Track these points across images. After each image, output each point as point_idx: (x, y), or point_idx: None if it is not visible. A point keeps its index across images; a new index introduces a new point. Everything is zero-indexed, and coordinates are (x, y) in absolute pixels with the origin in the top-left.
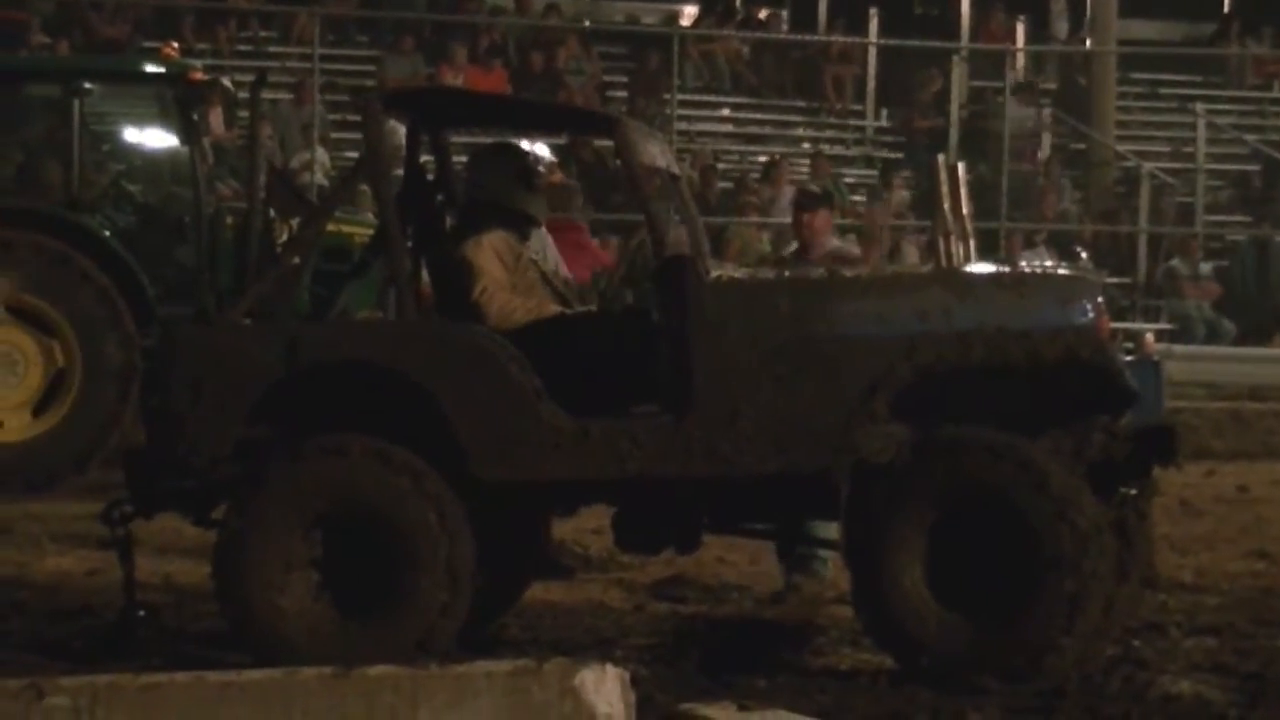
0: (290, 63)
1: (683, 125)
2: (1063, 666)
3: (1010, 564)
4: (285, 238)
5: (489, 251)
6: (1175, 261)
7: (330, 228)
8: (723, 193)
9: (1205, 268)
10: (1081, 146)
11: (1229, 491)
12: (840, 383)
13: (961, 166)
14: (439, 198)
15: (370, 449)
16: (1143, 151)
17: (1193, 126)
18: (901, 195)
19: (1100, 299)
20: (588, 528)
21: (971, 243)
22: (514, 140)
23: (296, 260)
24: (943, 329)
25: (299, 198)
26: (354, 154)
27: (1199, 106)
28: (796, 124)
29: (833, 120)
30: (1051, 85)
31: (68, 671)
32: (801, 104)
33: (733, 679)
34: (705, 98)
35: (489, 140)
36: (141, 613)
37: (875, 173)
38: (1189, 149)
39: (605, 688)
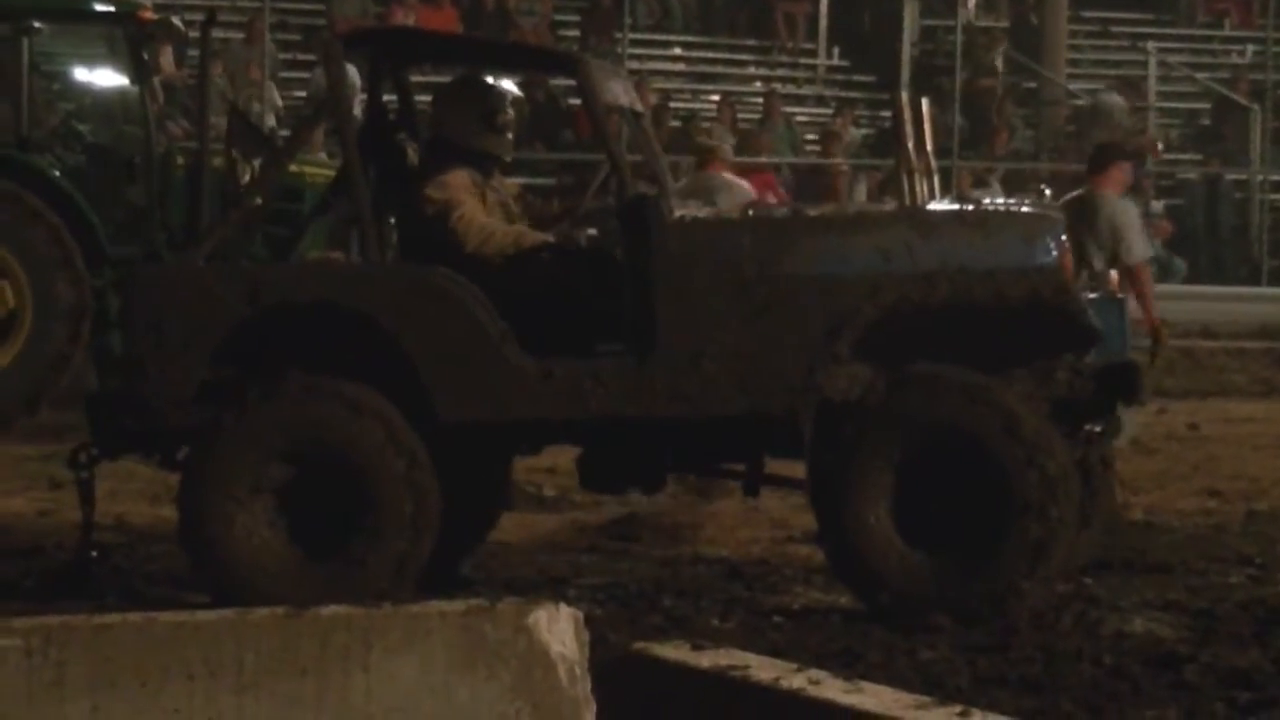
0: (240, 1)
1: (634, 64)
2: (1023, 609)
3: (977, 505)
4: (248, 178)
5: (457, 185)
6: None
7: None
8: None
9: (1156, 206)
10: (1033, 85)
11: (1180, 429)
12: (804, 322)
13: (926, 103)
14: (402, 137)
15: (340, 393)
16: (1094, 90)
17: (1144, 65)
18: (853, 134)
19: (1064, 237)
20: (541, 466)
21: (936, 179)
22: (478, 76)
23: (259, 201)
24: (906, 268)
25: (261, 138)
26: (305, 93)
27: (1150, 45)
28: (748, 63)
29: (784, 59)
30: (1004, 24)
31: (20, 612)
32: (753, 43)
33: (686, 618)
34: (657, 36)
35: (452, 78)
36: (94, 554)
37: (829, 111)
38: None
39: (559, 627)
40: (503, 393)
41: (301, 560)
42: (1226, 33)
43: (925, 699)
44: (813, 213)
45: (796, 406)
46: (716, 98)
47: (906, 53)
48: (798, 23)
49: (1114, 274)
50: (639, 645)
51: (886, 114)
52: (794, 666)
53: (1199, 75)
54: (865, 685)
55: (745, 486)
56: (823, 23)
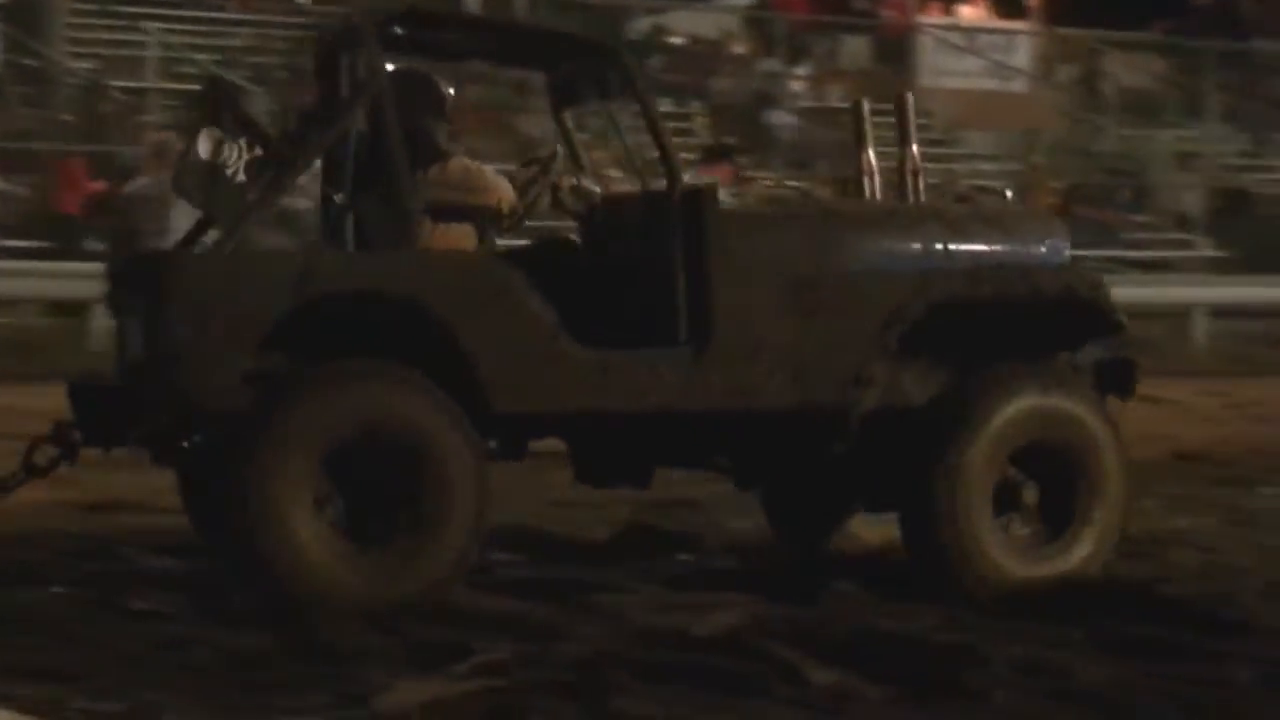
0: None
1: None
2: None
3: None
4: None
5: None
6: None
7: None
8: None
9: None
10: (35, 63)
11: None
12: (856, 317)
13: (866, 104)
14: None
15: (411, 381)
16: (99, 70)
17: (143, 45)
18: None
19: (1067, 237)
20: None
21: (878, 179)
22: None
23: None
24: (945, 265)
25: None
26: None
27: (151, 25)
28: None
29: None
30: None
31: None
32: None
33: None
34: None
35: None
36: None
37: None
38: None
39: None
40: (558, 385)
41: (357, 554)
42: (228, 15)
43: None
44: (855, 208)
45: (848, 401)
46: None
47: None
48: None
49: None
50: None
51: None
52: None
53: (199, 57)
54: None
55: (737, 480)
56: None
